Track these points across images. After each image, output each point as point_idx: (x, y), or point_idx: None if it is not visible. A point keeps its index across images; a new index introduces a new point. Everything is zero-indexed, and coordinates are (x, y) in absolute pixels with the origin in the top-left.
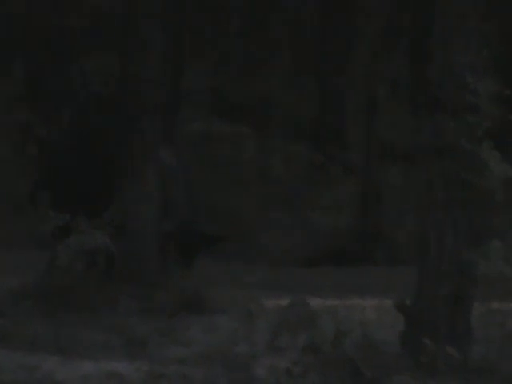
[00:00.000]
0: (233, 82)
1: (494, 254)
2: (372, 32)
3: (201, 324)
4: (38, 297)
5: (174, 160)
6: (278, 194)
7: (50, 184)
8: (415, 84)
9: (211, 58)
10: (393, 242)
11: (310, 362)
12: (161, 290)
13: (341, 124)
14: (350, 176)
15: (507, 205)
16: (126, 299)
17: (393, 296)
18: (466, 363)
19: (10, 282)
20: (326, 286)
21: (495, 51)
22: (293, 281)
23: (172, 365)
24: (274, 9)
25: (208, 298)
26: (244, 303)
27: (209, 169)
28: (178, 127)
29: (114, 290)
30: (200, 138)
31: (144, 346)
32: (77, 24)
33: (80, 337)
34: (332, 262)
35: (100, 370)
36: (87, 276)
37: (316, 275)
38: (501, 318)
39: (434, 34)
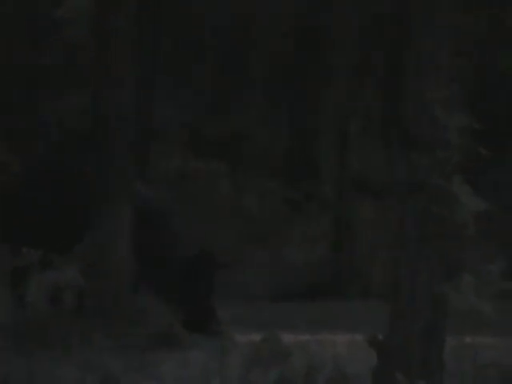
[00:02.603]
0: (207, 119)
1: (466, 287)
2: (345, 69)
3: (174, 359)
4: (9, 334)
5: (148, 197)
6: (252, 229)
7: (22, 220)
8: (388, 120)
9: (186, 95)
10: (366, 277)
11: None
12: (134, 326)
13: (314, 160)
14: (323, 211)
15: (478, 239)
16: (99, 335)
17: (365, 331)
18: None
19: None
20: (298, 321)
21: (465, 86)
22: (266, 316)
23: None
24: (249, 46)
25: (181, 333)
26: (217, 338)
27: (183, 206)
28: (153, 164)
29: (86, 326)
30: (175, 174)
31: (117, 382)
32: (50, 62)
33: (53, 374)
34: (305, 296)
35: None
36: (58, 312)
37: (289, 310)
38: (473, 352)
39: (406, 70)
